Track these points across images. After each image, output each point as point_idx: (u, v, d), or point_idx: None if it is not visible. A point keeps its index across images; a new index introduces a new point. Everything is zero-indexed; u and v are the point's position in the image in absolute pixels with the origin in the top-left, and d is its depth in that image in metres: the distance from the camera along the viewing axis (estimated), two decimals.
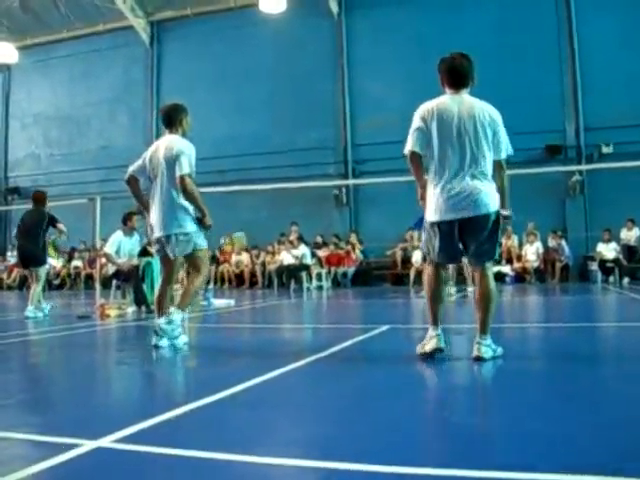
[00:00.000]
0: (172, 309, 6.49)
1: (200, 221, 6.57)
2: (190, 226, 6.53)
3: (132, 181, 6.88)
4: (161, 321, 6.42)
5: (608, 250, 18.46)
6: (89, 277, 23.22)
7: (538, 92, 20.65)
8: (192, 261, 6.69)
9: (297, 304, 14.69)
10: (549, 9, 21.55)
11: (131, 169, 6.87)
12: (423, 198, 5.33)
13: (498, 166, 5.23)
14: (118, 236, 12.12)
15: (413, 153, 5.18)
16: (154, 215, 6.64)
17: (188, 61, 25.56)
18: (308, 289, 19.26)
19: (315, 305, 14.58)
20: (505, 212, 5.29)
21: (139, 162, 6.84)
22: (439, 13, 22.13)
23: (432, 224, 5.21)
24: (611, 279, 18.22)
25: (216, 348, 6.88)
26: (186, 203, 6.50)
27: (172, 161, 6.45)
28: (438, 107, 5.15)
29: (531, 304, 12.93)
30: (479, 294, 5.24)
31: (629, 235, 19.17)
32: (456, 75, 5.25)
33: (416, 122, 5.20)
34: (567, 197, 20.83)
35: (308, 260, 20.04)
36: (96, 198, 13.24)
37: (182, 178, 6.37)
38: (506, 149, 5.23)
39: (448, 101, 5.20)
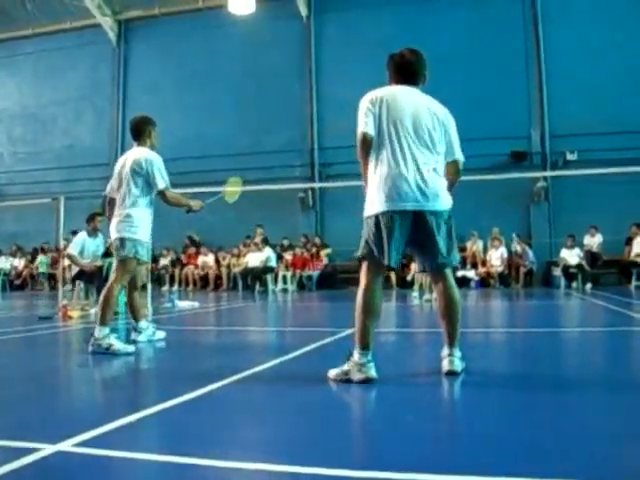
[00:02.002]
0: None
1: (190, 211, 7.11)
2: (138, 234, 6.69)
3: (110, 202, 7.08)
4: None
5: (571, 256, 18.61)
6: (52, 277, 22.95)
7: (505, 99, 20.80)
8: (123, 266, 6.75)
9: (262, 307, 14.65)
10: (517, 17, 21.76)
11: (107, 191, 7.17)
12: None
13: (453, 168, 4.90)
14: (82, 237, 12.01)
15: (366, 134, 4.72)
16: (113, 220, 6.84)
17: (155, 61, 25.42)
18: (273, 292, 19.24)
19: (280, 308, 14.55)
20: None
21: (112, 181, 7.06)
22: (408, 17, 22.19)
23: (381, 215, 4.64)
24: (574, 284, 18.36)
25: (179, 351, 6.83)
26: (136, 213, 6.66)
27: (136, 173, 6.63)
28: (390, 93, 4.88)
29: (495, 309, 12.99)
30: (444, 304, 4.80)
31: (592, 241, 19.38)
32: (406, 72, 4.98)
33: (365, 106, 4.82)
34: (532, 203, 21.00)
35: (273, 263, 20.01)
36: (60, 198, 13.08)
37: (162, 194, 6.68)
38: (460, 153, 4.90)
39: (400, 90, 4.91)
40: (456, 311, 4.79)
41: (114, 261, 6.90)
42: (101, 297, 6.64)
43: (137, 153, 6.77)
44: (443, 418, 3.73)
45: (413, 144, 4.69)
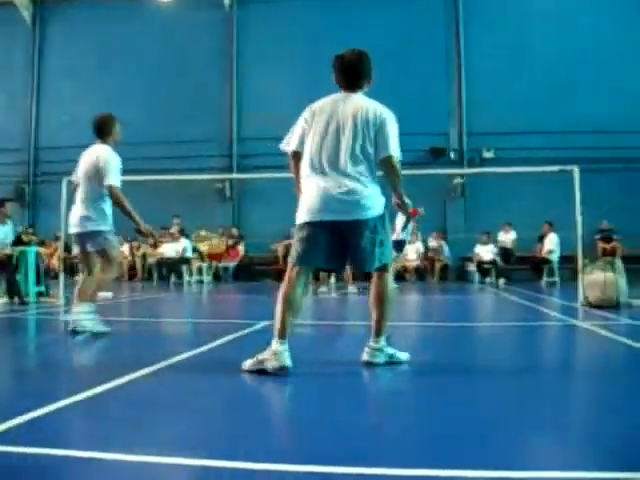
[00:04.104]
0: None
1: (138, 231, 7.43)
2: (103, 226, 7.09)
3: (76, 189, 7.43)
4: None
5: (485, 252, 18.98)
6: None
7: (425, 95, 21.04)
8: (104, 257, 7.12)
9: (177, 298, 14.51)
10: (439, 16, 22.17)
11: (73, 178, 7.49)
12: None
13: (386, 164, 4.82)
14: None
15: (287, 152, 5.09)
16: (73, 214, 7.20)
17: (73, 45, 24.58)
18: (189, 283, 19.04)
19: (195, 299, 14.43)
20: (406, 200, 5.06)
21: (76, 171, 7.39)
22: (332, 10, 22.26)
23: (306, 224, 4.82)
24: (488, 280, 18.71)
25: (90, 343, 6.66)
26: (103, 206, 7.08)
27: (94, 169, 7.01)
28: (322, 104, 4.98)
29: (411, 303, 13.10)
30: (373, 295, 4.97)
31: (506, 238, 19.77)
32: (347, 75, 5.00)
33: (299, 120, 5.03)
34: (448, 199, 21.30)
35: (189, 253, 19.80)
36: None
37: (110, 187, 6.95)
38: (393, 149, 4.78)
39: (332, 99, 4.99)
40: (385, 302, 4.93)
41: (93, 255, 7.15)
42: (94, 285, 7.12)
43: (99, 150, 7.14)
44: (354, 407, 3.71)
45: (334, 155, 4.78)
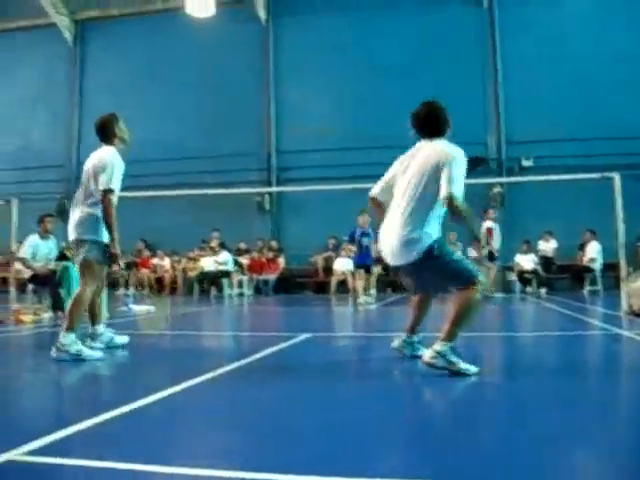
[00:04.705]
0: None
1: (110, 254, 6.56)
2: (98, 235, 6.51)
3: None
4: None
5: (526, 261, 18.83)
6: (3, 280, 22.51)
7: (462, 104, 20.78)
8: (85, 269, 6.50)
9: (218, 311, 14.55)
10: (474, 24, 22.02)
11: None
12: None
13: (446, 204, 5.10)
14: (34, 239, 11.69)
15: (371, 198, 5.75)
16: (71, 219, 6.64)
17: (113, 62, 25.01)
18: (230, 296, 19.12)
19: (236, 313, 14.46)
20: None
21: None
22: (365, 20, 22.29)
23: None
24: (529, 289, 18.56)
25: (134, 356, 6.72)
26: (96, 213, 6.50)
27: (92, 172, 6.56)
28: (403, 155, 5.54)
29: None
30: (454, 300, 5.12)
31: (547, 247, 19.59)
32: (420, 127, 5.50)
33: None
34: (489, 208, 21.15)
35: (230, 266, 19.88)
36: (12, 200, 12.78)
37: (103, 194, 6.41)
38: (447, 187, 5.11)
39: (412, 150, 5.50)
40: (461, 308, 5.05)
41: (76, 264, 6.72)
42: (70, 302, 6.44)
43: (100, 152, 6.75)
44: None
45: (401, 199, 5.29)
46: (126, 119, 7.04)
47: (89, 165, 6.67)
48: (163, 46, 24.22)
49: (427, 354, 4.96)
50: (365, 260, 15.21)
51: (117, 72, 24.65)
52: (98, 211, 6.48)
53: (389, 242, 5.27)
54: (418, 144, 5.47)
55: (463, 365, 4.89)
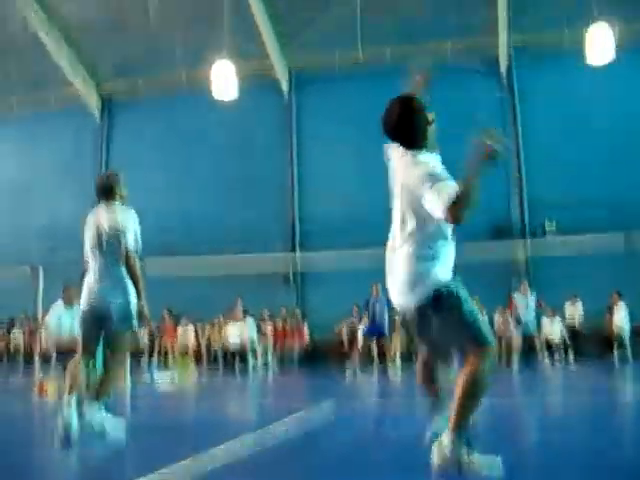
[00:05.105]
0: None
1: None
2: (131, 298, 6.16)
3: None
4: None
5: (553, 325, 18.36)
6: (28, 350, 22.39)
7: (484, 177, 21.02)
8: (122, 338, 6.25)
9: (242, 385, 14.38)
10: (493, 92, 22.26)
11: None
12: None
13: (450, 219, 4.04)
14: (59, 309, 11.65)
15: None
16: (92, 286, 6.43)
17: (138, 136, 25.46)
18: (254, 367, 18.85)
19: (260, 387, 14.26)
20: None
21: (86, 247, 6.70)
22: (385, 89, 22.31)
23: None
24: (556, 356, 18.23)
25: (156, 427, 6.66)
26: (124, 275, 6.19)
27: (117, 232, 6.29)
28: None
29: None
30: (458, 380, 3.96)
31: (573, 310, 19.15)
32: (387, 135, 4.71)
33: None
34: (512, 276, 21.01)
35: (254, 333, 19.56)
36: (38, 267, 12.86)
37: (127, 255, 6.18)
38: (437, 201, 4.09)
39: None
40: (467, 390, 3.90)
41: (116, 334, 6.20)
42: (106, 373, 6.09)
43: (115, 211, 6.52)
44: None
45: (392, 234, 4.46)
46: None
47: (106, 225, 6.47)
48: (187, 122, 24.67)
49: (434, 452, 3.94)
50: (373, 329, 15.16)
51: (142, 146, 25.07)
52: (123, 271, 6.23)
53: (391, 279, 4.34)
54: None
55: (477, 460, 3.84)
